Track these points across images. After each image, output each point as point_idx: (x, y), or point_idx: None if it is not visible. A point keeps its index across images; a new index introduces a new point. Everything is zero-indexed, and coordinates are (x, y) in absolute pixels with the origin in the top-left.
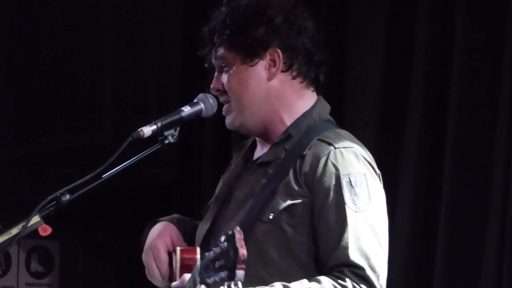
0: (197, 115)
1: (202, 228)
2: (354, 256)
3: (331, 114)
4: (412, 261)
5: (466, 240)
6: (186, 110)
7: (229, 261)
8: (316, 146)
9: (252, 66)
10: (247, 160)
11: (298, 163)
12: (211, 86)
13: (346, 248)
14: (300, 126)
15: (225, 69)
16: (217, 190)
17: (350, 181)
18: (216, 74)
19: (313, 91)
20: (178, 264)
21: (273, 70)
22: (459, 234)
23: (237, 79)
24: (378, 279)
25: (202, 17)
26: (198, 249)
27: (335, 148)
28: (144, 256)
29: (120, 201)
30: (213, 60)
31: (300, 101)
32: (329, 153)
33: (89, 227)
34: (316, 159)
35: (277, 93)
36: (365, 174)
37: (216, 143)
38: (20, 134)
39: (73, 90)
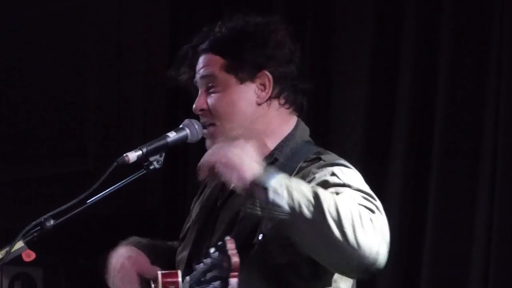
0: (183, 141)
1: (183, 253)
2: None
3: (318, 140)
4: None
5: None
6: (172, 135)
7: (222, 271)
8: (303, 167)
9: (242, 88)
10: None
11: None
12: (195, 105)
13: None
14: (284, 149)
15: (213, 89)
16: (193, 214)
17: (341, 170)
18: (200, 93)
19: (296, 116)
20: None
21: (263, 94)
22: (445, 247)
23: (226, 100)
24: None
25: (188, 41)
26: (179, 272)
27: (322, 160)
28: (116, 282)
29: (104, 228)
30: (197, 79)
31: (284, 125)
32: (317, 160)
33: (73, 253)
34: (306, 172)
35: (264, 117)
36: (354, 170)
37: None
38: (4, 160)
39: (56, 116)
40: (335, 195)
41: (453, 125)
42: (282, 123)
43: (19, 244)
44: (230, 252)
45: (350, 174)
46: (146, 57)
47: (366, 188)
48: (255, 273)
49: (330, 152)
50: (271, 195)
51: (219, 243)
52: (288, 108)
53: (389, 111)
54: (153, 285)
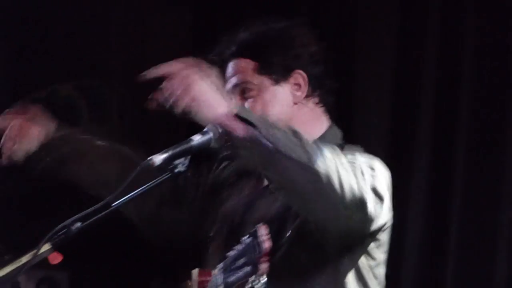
0: (207, 145)
1: (216, 252)
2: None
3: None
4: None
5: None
6: (196, 139)
7: (253, 256)
8: None
9: (277, 88)
10: (258, 183)
11: None
12: None
13: None
14: None
15: (248, 93)
16: (221, 209)
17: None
18: (237, 98)
19: (328, 117)
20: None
21: (299, 93)
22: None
23: (262, 102)
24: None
25: (211, 49)
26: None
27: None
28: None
29: (131, 234)
30: (228, 89)
31: (318, 126)
32: None
33: (98, 259)
34: None
35: (299, 117)
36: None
37: None
38: None
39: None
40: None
41: (478, 117)
42: (315, 122)
43: (46, 247)
44: (262, 237)
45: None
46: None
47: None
48: (283, 272)
49: (358, 155)
50: (251, 130)
51: (253, 229)
52: (321, 107)
53: (413, 108)
54: (189, 283)
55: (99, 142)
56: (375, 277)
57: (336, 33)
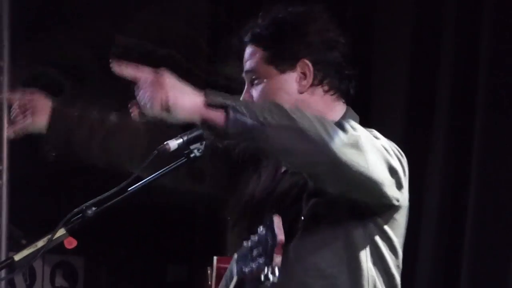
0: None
1: (235, 238)
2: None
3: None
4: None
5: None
6: None
7: (267, 248)
8: None
9: (283, 77)
10: (277, 171)
11: None
12: (241, 99)
13: None
14: None
15: (255, 81)
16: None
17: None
18: (246, 87)
19: (343, 102)
20: (214, 274)
21: (304, 82)
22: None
23: (267, 91)
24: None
25: (229, 34)
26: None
27: None
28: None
29: (146, 218)
30: (243, 74)
31: (331, 113)
32: None
33: (113, 243)
34: None
35: (307, 106)
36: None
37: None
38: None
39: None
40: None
41: (495, 101)
42: (327, 110)
43: (61, 232)
44: (276, 229)
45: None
46: (186, 52)
47: (387, 147)
48: (303, 253)
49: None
50: (232, 114)
51: (268, 221)
52: (333, 94)
53: (430, 98)
54: (208, 270)
55: (113, 118)
56: (391, 258)
57: (353, 19)
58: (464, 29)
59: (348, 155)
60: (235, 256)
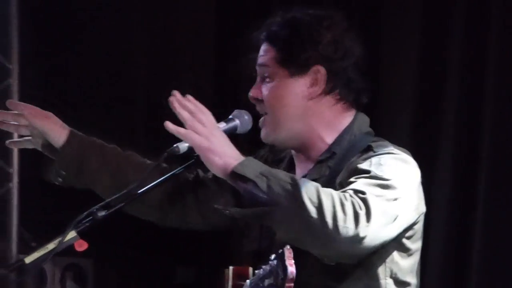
0: (232, 131)
1: (251, 246)
2: (359, 186)
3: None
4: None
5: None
6: (221, 126)
7: (278, 279)
8: (354, 160)
9: (293, 81)
10: None
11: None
12: (250, 93)
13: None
14: (342, 142)
15: (267, 79)
16: None
17: (380, 161)
18: (257, 81)
19: (353, 109)
20: (230, 283)
21: (315, 89)
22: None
23: (275, 93)
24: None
25: (235, 33)
26: (250, 269)
27: (372, 150)
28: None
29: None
30: (257, 67)
31: (341, 118)
32: (368, 150)
33: (123, 245)
34: (353, 164)
35: (315, 112)
36: (395, 158)
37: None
38: None
39: (108, 104)
40: (319, 185)
41: (503, 104)
42: (336, 116)
43: (72, 234)
44: (287, 262)
45: (387, 163)
46: (192, 49)
47: (392, 176)
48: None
49: (386, 142)
50: (250, 187)
51: (280, 251)
52: (344, 104)
53: (438, 93)
54: (225, 271)
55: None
56: (409, 266)
57: (360, 19)
58: (472, 29)
59: (351, 249)
60: (247, 283)
